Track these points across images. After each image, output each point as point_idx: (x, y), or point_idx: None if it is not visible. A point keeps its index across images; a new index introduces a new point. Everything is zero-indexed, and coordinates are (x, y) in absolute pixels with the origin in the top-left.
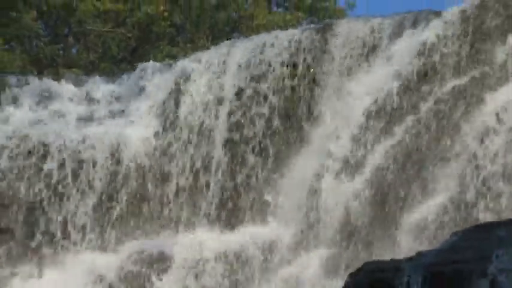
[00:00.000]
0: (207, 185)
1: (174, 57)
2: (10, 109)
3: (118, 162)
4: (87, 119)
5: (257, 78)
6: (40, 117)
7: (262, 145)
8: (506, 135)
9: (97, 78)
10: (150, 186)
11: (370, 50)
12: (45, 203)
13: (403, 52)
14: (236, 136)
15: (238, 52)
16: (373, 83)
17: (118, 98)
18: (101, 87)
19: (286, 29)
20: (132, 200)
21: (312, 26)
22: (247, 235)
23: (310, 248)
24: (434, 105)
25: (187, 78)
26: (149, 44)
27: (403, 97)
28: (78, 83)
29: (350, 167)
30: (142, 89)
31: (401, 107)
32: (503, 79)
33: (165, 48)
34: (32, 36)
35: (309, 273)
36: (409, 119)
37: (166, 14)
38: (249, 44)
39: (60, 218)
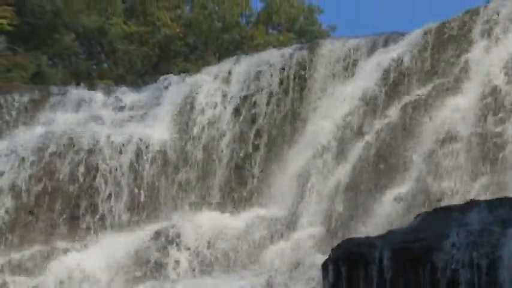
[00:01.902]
0: (215, 176)
1: (188, 71)
2: (54, 114)
3: (141, 157)
4: (116, 123)
5: (256, 87)
6: (78, 120)
7: (262, 142)
8: (461, 132)
9: (124, 88)
10: (167, 177)
11: (348, 65)
12: (84, 190)
13: (376, 66)
14: (240, 135)
15: (241, 66)
16: (352, 91)
17: (142, 105)
18: (127, 96)
19: (281, 48)
20: (153, 188)
21: (301, 45)
22: (249, 216)
23: (300, 227)
24: (402, 110)
25: (199, 88)
26: (168, 60)
27: (376, 103)
28: (109, 92)
29: (333, 159)
30: (162, 97)
31: (375, 111)
32: (460, 89)
33: (180, 64)
34: (71, 54)
35: (299, 248)
36: (381, 121)
37: (181, 35)
38: (250, 59)
39: (98, 202)
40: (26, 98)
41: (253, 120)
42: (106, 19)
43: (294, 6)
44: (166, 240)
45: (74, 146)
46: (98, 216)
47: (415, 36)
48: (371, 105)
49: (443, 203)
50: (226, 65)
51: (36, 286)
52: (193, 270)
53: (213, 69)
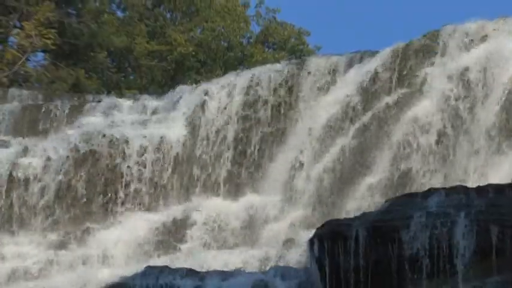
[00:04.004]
0: (221, 168)
1: (199, 82)
2: (90, 117)
3: (160, 152)
4: (140, 124)
5: (255, 95)
6: (109, 122)
7: (259, 140)
8: (424, 132)
9: (147, 96)
10: (181, 168)
11: (330, 78)
12: (114, 180)
13: (353, 79)
14: (241, 135)
15: (242, 78)
16: (333, 99)
17: (161, 110)
18: (150, 102)
19: (275, 63)
20: (171, 178)
21: (292, 61)
22: (249, 201)
23: (291, 210)
24: (374, 114)
25: (208, 96)
26: (182, 73)
27: (353, 109)
28: (134, 100)
29: (318, 154)
30: (177, 103)
31: (352, 115)
32: (423, 97)
33: (193, 76)
34: (104, 68)
35: (290, 227)
36: (358, 124)
37: (194, 53)
38: (250, 72)
39: (125, 189)
40: (66, 104)
41: (253, 122)
42: (132, 40)
43: (287, 29)
44: (181, 222)
45: (106, 143)
46: (125, 201)
47: (385, 53)
48: (349, 110)
49: (408, 190)
50: (231, 77)
51: (78, 257)
52: (202, 246)
53: (220, 80)
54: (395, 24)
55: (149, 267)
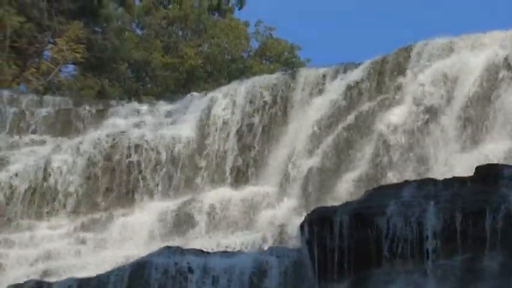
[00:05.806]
0: (225, 162)
1: (207, 90)
2: (113, 120)
3: (173, 149)
4: (156, 125)
5: (255, 101)
6: (130, 124)
7: (258, 139)
8: (398, 132)
9: (162, 102)
10: (191, 163)
11: (319, 86)
12: (134, 172)
13: (338, 87)
14: (243, 134)
15: (243, 86)
16: (321, 104)
17: (174, 113)
18: (164, 107)
19: (271, 74)
20: (182, 171)
21: (286, 72)
22: (249, 191)
23: (285, 199)
24: (357, 117)
25: (214, 101)
26: (192, 82)
27: (338, 112)
28: (151, 105)
29: (309, 151)
30: (188, 108)
31: (338, 118)
32: (397, 102)
33: (201, 85)
34: (125, 77)
35: (284, 213)
36: (342, 125)
37: (202, 65)
38: (250, 82)
39: (143, 180)
40: (93, 109)
41: (253, 123)
42: (149, 54)
43: (281, 44)
44: (191, 208)
45: (127, 141)
46: (143, 191)
47: (366, 65)
48: (335, 114)
49: (385, 182)
50: (233, 85)
51: (103, 239)
52: (208, 230)
53: (224, 88)
54: (382, 36)
55: (164, 248)
